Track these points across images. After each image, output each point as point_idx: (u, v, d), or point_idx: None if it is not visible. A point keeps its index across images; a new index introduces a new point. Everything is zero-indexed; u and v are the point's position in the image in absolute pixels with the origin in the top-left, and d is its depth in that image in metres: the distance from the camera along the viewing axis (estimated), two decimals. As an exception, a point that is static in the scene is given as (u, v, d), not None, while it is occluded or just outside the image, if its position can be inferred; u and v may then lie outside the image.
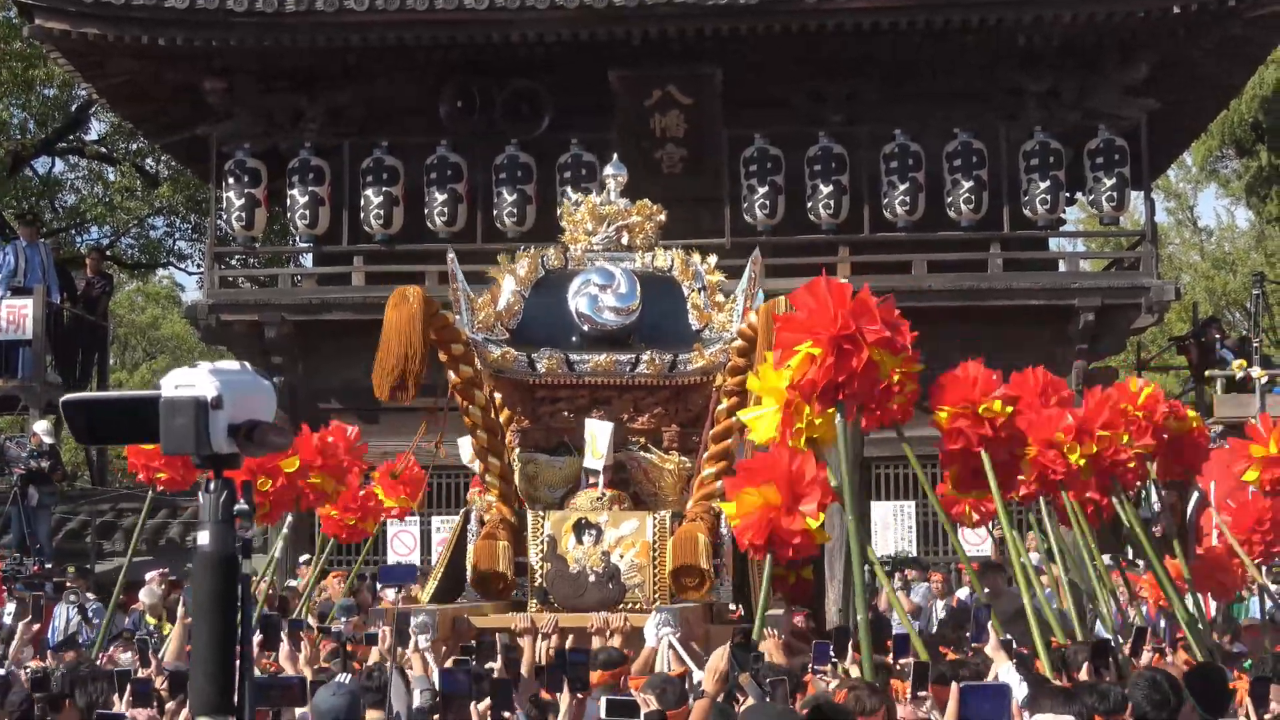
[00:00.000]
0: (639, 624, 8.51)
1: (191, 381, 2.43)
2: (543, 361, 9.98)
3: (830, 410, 7.14)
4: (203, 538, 2.47)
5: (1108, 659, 7.32)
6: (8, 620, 11.10)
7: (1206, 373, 18.85)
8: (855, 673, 6.84)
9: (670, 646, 7.85)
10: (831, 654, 7.03)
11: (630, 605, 9.22)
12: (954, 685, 4.98)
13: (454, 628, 9.03)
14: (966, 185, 16.02)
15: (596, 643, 8.77)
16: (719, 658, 6.12)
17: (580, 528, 9.56)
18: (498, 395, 10.17)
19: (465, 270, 10.35)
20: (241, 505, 2.48)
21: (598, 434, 9.78)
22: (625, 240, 10.53)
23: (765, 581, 7.61)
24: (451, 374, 9.70)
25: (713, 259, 10.65)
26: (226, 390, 2.44)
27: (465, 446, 10.41)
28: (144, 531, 17.48)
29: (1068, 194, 17.44)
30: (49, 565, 13.66)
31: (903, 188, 16.02)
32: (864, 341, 6.97)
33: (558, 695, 6.69)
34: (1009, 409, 8.54)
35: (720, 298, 10.31)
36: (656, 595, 9.30)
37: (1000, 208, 16.25)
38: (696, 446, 9.92)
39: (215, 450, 2.45)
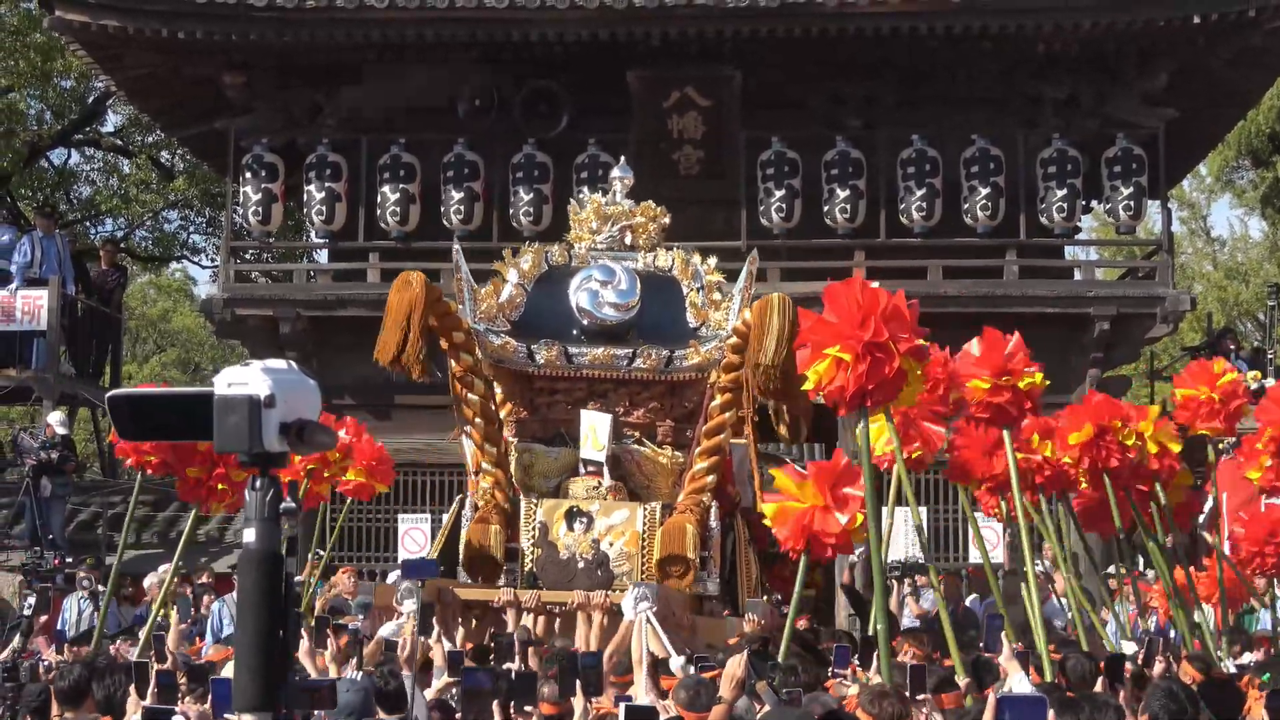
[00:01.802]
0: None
1: (245, 380, 2.44)
2: (542, 353, 10.12)
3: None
4: (248, 535, 2.49)
5: (1122, 673, 7.28)
6: (27, 613, 11.12)
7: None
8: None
9: (648, 621, 7.87)
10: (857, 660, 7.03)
11: (617, 591, 9.32)
12: (990, 695, 4.97)
13: (440, 598, 9.18)
14: (984, 192, 16.00)
15: (580, 620, 8.90)
16: (736, 664, 6.08)
17: (572, 515, 9.72)
18: (497, 387, 10.30)
19: (480, 268, 10.41)
20: (288, 503, 2.49)
21: (597, 426, 9.91)
22: (629, 240, 10.68)
23: (797, 587, 7.61)
24: (452, 362, 9.83)
25: (713, 260, 10.74)
26: (279, 389, 2.45)
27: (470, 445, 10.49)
28: (155, 524, 17.62)
29: (1084, 202, 17.41)
30: (69, 559, 13.67)
31: (920, 193, 16.01)
32: (896, 350, 6.83)
33: (572, 699, 6.69)
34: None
35: (717, 296, 10.42)
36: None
37: (1017, 215, 16.23)
38: (690, 442, 10.03)
39: (267, 448, 2.47)
